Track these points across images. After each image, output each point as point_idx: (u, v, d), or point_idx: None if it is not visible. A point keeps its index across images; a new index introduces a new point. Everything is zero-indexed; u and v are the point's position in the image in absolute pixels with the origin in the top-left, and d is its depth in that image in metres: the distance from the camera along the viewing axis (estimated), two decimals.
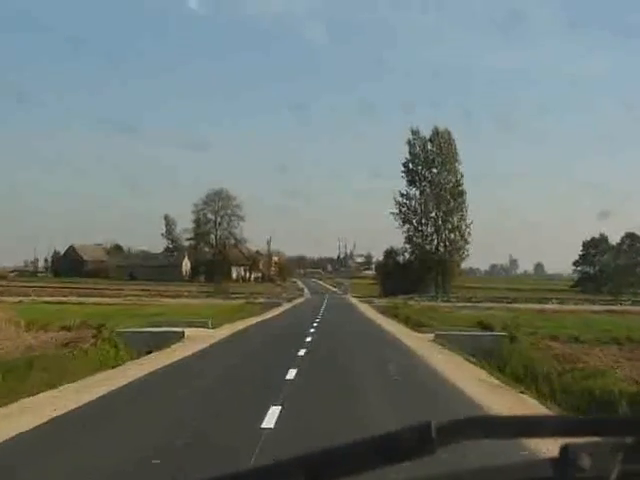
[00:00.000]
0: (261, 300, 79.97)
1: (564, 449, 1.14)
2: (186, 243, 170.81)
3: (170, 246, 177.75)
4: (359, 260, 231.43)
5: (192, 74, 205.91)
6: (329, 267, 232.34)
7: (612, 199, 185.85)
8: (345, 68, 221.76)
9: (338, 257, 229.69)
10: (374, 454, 1.18)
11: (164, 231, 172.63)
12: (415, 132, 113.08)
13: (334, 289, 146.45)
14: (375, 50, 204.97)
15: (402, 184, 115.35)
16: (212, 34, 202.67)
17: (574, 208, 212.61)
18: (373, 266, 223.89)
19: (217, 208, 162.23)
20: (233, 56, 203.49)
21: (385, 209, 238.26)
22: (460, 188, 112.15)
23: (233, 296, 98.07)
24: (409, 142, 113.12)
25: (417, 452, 1.16)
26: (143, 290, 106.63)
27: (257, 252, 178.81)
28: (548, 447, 1.72)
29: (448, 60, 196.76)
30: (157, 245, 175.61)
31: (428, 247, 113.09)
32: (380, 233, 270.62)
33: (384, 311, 57.80)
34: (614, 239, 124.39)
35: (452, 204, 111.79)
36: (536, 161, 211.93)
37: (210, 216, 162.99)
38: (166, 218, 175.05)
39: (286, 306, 67.12)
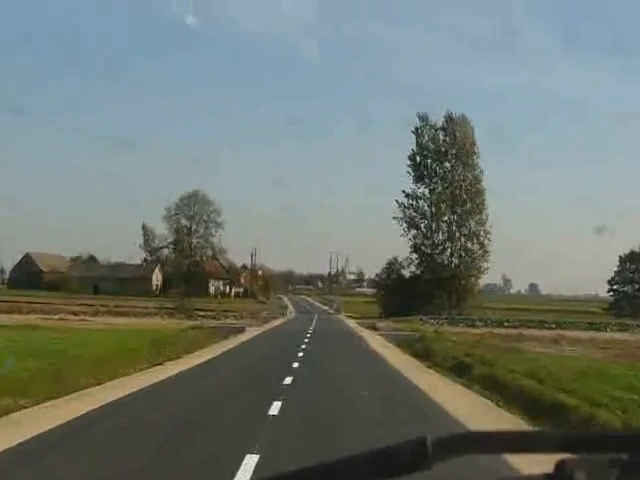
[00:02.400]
0: (229, 321, 57.49)
1: (560, 465, 1.09)
2: (159, 254, 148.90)
3: (148, 258, 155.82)
4: (351, 277, 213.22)
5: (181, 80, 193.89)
6: (319, 284, 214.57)
7: (608, 217, 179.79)
8: (341, 84, 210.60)
9: (329, 274, 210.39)
10: (370, 469, 1.13)
11: (142, 242, 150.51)
12: (424, 118, 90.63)
13: (324, 307, 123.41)
14: (370, 66, 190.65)
15: (407, 183, 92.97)
16: (207, 50, 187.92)
17: (569, 227, 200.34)
18: (365, 283, 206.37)
19: (192, 213, 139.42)
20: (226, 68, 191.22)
21: (379, 227, 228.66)
22: (479, 186, 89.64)
23: (200, 314, 77.61)
24: (416, 130, 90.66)
25: (413, 467, 1.11)
26: (89, 306, 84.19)
27: (243, 266, 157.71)
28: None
29: (443, 77, 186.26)
30: (137, 258, 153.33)
31: (439, 258, 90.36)
32: (374, 252, 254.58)
33: (404, 345, 34.98)
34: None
35: (469, 205, 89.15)
36: (529, 178, 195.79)
37: (184, 222, 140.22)
38: (144, 227, 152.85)
39: (253, 332, 44.09)
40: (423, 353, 29.76)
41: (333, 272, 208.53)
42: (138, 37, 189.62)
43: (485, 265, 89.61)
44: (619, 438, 1.16)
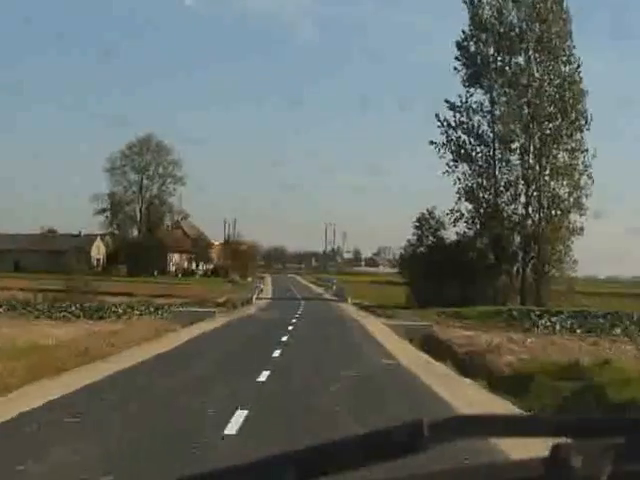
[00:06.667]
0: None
1: (555, 449, 1.07)
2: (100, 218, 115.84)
3: (116, 232, 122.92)
4: (347, 256, 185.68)
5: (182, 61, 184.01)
6: (313, 262, 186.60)
7: (606, 198, 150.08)
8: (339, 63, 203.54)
9: (324, 252, 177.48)
10: (365, 451, 1.10)
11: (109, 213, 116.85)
12: None
13: (319, 290, 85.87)
14: (371, 46, 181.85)
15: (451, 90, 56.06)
16: (206, 31, 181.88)
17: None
18: (363, 263, 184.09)
19: (144, 164, 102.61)
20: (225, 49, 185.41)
21: (377, 205, 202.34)
22: (575, 88, 52.55)
23: (114, 300, 43.47)
24: (470, 0, 53.63)
25: (408, 449, 1.08)
26: None
27: (226, 242, 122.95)
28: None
29: (442, 57, 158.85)
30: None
31: (507, 210, 53.55)
32: (369, 233, 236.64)
33: None
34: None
35: (559, 122, 52.26)
36: None
37: (133, 176, 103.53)
38: (110, 196, 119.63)
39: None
40: None
41: (329, 248, 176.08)
42: (136, 18, 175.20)
43: (580, 221, 52.73)
44: (615, 423, 1.12)
